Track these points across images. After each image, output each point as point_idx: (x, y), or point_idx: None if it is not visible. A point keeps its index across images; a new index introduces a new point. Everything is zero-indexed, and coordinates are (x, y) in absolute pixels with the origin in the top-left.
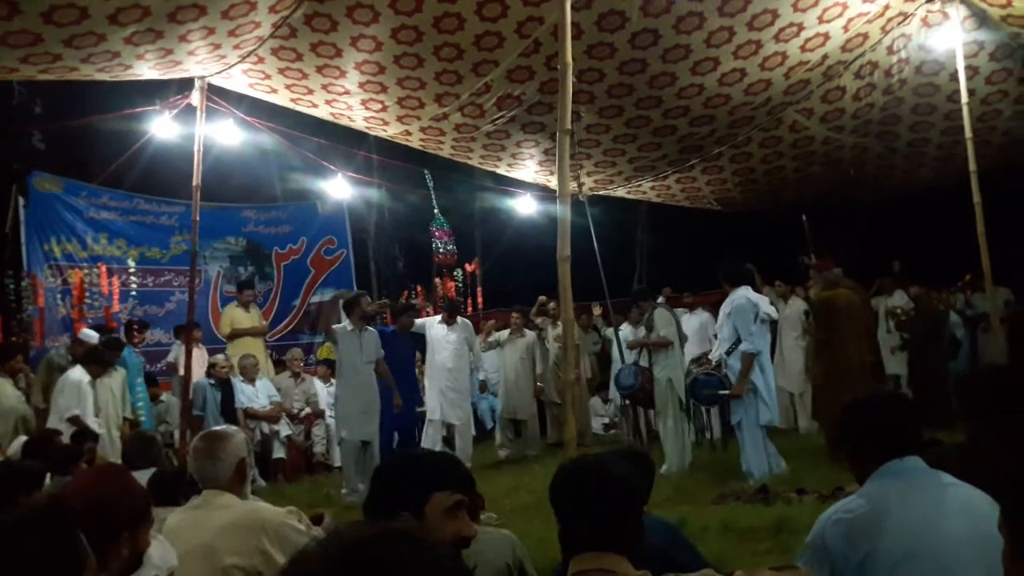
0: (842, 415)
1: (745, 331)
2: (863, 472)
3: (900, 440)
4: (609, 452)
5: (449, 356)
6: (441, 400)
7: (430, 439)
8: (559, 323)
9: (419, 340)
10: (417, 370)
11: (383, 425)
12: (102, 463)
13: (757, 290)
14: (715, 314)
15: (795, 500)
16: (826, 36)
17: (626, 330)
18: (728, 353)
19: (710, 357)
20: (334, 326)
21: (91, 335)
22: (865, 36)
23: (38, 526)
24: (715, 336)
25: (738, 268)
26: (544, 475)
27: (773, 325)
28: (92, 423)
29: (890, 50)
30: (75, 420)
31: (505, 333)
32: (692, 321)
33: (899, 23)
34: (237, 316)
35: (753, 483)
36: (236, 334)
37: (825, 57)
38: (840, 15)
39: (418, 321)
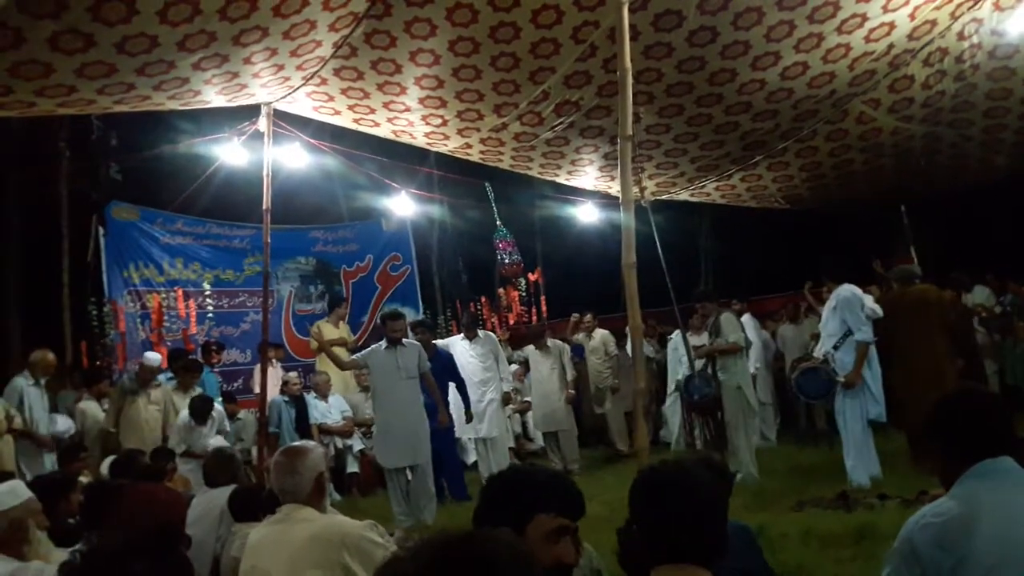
0: (933, 414)
1: (857, 322)
2: (952, 473)
3: (993, 439)
4: (688, 459)
5: (475, 371)
6: (474, 416)
7: (483, 458)
8: (593, 335)
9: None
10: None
11: None
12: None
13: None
14: (764, 322)
15: (877, 506)
16: (891, 25)
17: (677, 338)
18: (836, 347)
19: (815, 354)
20: (363, 351)
21: (154, 358)
22: (933, 23)
23: (148, 550)
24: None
25: (841, 265)
26: (616, 485)
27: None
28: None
29: (961, 36)
30: (182, 455)
31: (531, 348)
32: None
33: (969, 8)
34: (327, 331)
35: (857, 485)
36: (324, 347)
37: (891, 46)
38: (906, 3)
39: (441, 342)
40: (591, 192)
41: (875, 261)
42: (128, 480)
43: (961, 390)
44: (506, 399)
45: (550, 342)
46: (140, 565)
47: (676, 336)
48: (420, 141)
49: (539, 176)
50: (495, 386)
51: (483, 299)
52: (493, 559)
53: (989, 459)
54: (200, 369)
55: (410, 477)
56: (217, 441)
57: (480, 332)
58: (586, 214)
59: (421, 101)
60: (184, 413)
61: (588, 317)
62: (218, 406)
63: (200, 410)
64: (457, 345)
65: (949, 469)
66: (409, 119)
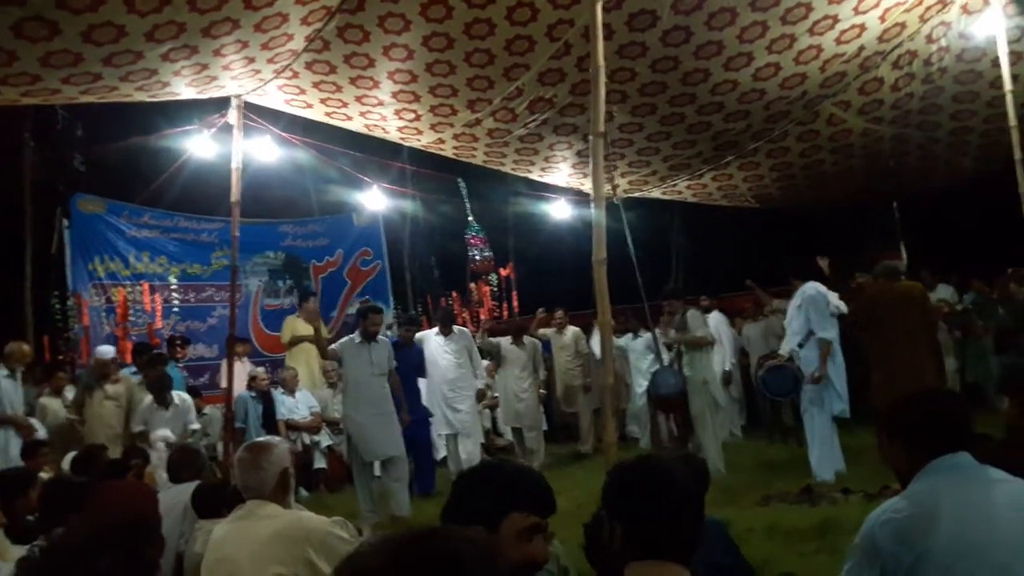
0: (894, 411)
1: (820, 320)
2: (911, 469)
3: (953, 436)
4: (667, 455)
5: (449, 367)
6: (446, 411)
7: (452, 454)
8: (564, 332)
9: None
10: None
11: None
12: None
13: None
14: (731, 318)
15: (840, 500)
16: (862, 27)
17: (627, 340)
18: (800, 345)
19: (780, 352)
20: (339, 341)
21: (105, 351)
22: (903, 26)
23: (113, 547)
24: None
25: (806, 263)
26: (585, 480)
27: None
28: (158, 436)
29: (929, 39)
30: (139, 436)
31: (505, 342)
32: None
33: (938, 11)
34: (297, 326)
35: (821, 480)
36: (295, 342)
37: (862, 48)
38: (876, 5)
39: (415, 336)
40: (564, 189)
41: (821, 258)
42: (89, 477)
43: (921, 389)
44: (480, 395)
45: (526, 339)
46: (104, 563)
47: (645, 335)
48: (393, 136)
49: (512, 172)
50: (469, 382)
51: (454, 294)
52: (457, 555)
53: (948, 455)
54: (165, 363)
55: (378, 473)
56: (165, 432)
57: (455, 328)
58: (558, 210)
59: (394, 95)
60: (148, 398)
61: (559, 313)
62: (186, 397)
63: (157, 389)
64: (431, 340)
65: (909, 465)
66: (382, 113)
